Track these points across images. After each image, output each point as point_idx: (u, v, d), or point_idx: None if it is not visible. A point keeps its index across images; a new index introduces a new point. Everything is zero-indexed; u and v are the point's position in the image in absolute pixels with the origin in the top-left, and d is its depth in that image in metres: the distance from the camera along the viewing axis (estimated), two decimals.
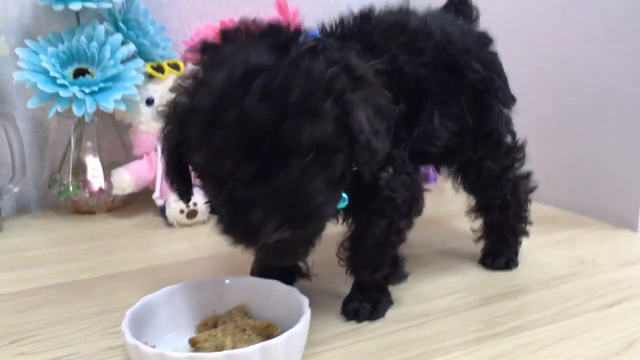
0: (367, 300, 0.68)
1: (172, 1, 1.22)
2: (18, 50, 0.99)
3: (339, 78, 0.54)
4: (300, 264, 0.73)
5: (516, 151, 0.77)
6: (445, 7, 0.79)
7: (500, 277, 0.78)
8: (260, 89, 0.50)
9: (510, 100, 0.76)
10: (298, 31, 0.57)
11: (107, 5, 1.01)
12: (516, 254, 0.81)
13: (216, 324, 0.60)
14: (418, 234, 0.92)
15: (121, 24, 1.05)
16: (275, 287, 0.63)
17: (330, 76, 0.53)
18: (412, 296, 0.73)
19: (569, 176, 1.03)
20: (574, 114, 1.01)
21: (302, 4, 1.23)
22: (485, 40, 0.75)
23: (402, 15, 0.68)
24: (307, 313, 0.56)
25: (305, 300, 0.59)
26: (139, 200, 1.12)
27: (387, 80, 0.61)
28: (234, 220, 0.52)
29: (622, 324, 0.65)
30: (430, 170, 1.27)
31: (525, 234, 0.81)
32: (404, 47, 0.66)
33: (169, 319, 0.61)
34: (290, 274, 0.72)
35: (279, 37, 0.55)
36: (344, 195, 0.61)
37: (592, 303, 0.70)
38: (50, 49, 1.00)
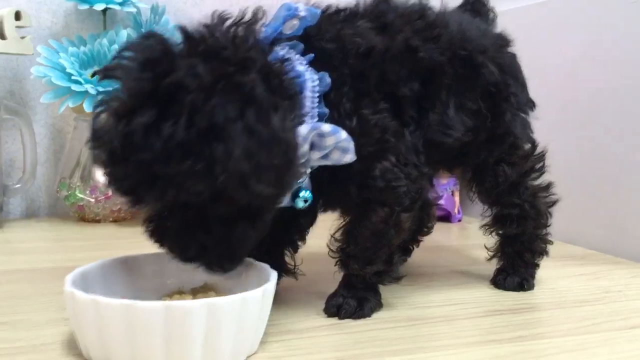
0: (353, 297, 0.61)
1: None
2: (40, 48, 1.00)
3: (213, 107, 0.45)
4: (288, 259, 0.67)
5: (535, 158, 0.71)
6: (461, 6, 0.75)
7: (510, 295, 0.70)
8: (108, 155, 0.47)
9: (527, 105, 0.71)
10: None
11: (131, 9, 1.02)
12: (532, 275, 0.72)
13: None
14: (430, 256, 0.86)
15: (144, 30, 1.06)
16: (247, 263, 0.56)
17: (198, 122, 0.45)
18: (406, 303, 0.65)
19: (601, 217, 0.95)
20: (606, 155, 0.94)
21: None
22: (502, 41, 0.71)
23: (422, 6, 0.65)
24: (272, 281, 0.50)
25: (273, 273, 0.53)
26: None
27: (399, 61, 0.59)
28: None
29: None
30: (456, 210, 1.22)
31: (545, 253, 0.73)
32: (419, 32, 0.62)
33: (128, 287, 0.56)
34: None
35: (154, 70, 0.46)
36: (308, 194, 0.56)
37: (612, 324, 0.61)
38: (72, 49, 1.01)
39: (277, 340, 0.53)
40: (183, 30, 0.49)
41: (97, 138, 0.47)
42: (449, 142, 0.63)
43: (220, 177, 0.44)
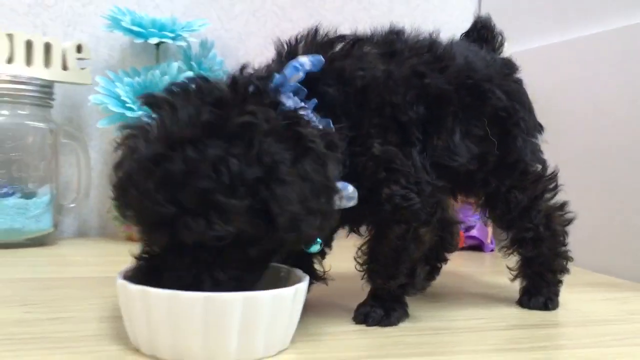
0: (380, 307, 0.64)
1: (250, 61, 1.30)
2: (98, 78, 1.08)
3: (275, 150, 0.49)
4: (317, 266, 0.71)
5: (546, 180, 0.73)
6: (468, 33, 0.78)
7: (535, 313, 0.72)
8: (160, 178, 0.47)
9: (535, 129, 0.74)
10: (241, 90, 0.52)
11: (182, 43, 1.10)
12: (556, 294, 0.75)
13: None
14: (460, 281, 0.88)
15: (193, 63, 1.13)
16: (277, 267, 0.61)
17: (254, 159, 0.48)
18: (433, 316, 0.68)
19: (634, 247, 0.96)
20: (631, 185, 0.96)
21: None
22: (508, 69, 0.74)
23: (430, 39, 0.68)
24: (304, 282, 0.54)
25: (305, 276, 0.57)
26: None
27: (404, 85, 0.61)
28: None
29: None
30: (489, 240, 1.24)
31: (565, 270, 0.75)
32: (426, 64, 0.65)
33: None
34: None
35: (220, 109, 0.50)
36: (319, 240, 0.58)
37: (633, 340, 0.63)
38: (127, 79, 1.09)
39: (306, 340, 0.57)
40: (235, 78, 0.54)
41: (152, 158, 0.47)
42: (454, 166, 0.65)
43: (278, 217, 0.48)
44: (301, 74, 0.57)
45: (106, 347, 0.53)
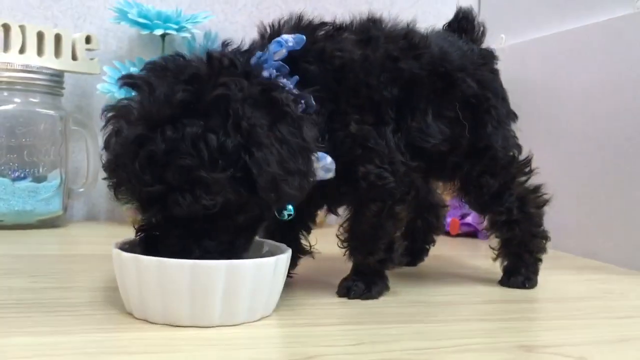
0: (361, 281, 0.68)
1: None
2: (105, 68, 1.13)
3: (251, 116, 0.52)
4: (303, 241, 0.74)
5: (520, 165, 0.77)
6: (450, 24, 0.81)
7: (513, 291, 0.75)
8: (145, 159, 0.50)
9: (508, 117, 0.77)
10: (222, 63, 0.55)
11: (186, 34, 1.14)
12: (535, 273, 0.78)
13: None
14: (449, 263, 0.92)
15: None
16: (262, 242, 0.65)
17: (231, 128, 0.51)
18: (413, 291, 0.72)
19: (620, 233, 0.99)
20: (619, 173, 0.99)
21: None
22: (484, 59, 0.76)
23: (407, 28, 0.71)
24: (286, 254, 0.59)
25: (288, 249, 0.61)
26: None
27: (379, 68, 0.64)
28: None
29: (625, 328, 0.61)
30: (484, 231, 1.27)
31: (542, 250, 0.78)
32: (401, 50, 0.67)
33: None
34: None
35: (195, 84, 0.53)
36: (290, 209, 0.61)
37: (601, 314, 0.66)
38: (133, 69, 1.13)
39: (289, 309, 0.61)
40: (209, 53, 0.56)
41: (135, 140, 0.51)
42: (427, 147, 0.68)
43: (257, 178, 0.51)
44: (284, 51, 0.60)
45: (102, 312, 0.57)
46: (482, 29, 0.80)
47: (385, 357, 0.48)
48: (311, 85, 0.60)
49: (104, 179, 0.55)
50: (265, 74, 0.59)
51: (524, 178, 0.77)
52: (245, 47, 0.62)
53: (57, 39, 1.11)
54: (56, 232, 1.07)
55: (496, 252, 0.80)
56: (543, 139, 1.08)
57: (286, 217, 0.61)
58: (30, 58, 1.08)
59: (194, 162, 0.51)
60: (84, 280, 0.70)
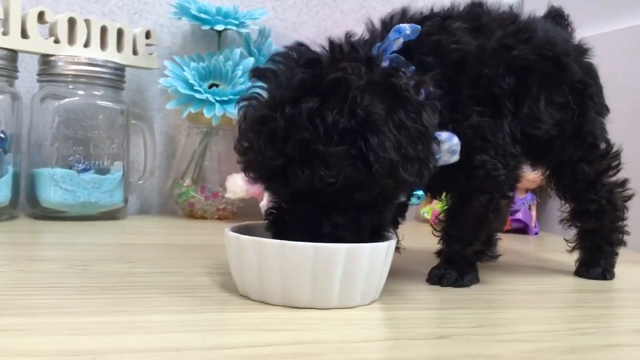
0: (453, 269, 0.69)
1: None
2: (166, 62, 1.14)
3: (370, 103, 0.54)
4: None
5: (611, 157, 0.78)
6: (543, 17, 0.82)
7: (593, 282, 0.76)
8: (267, 136, 0.53)
9: (604, 109, 0.78)
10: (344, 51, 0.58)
11: (244, 30, 1.16)
12: (612, 265, 0.79)
13: None
14: (513, 257, 0.93)
15: (254, 49, 1.19)
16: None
17: (348, 111, 0.53)
18: (500, 281, 0.73)
19: None
20: None
21: None
22: (582, 49, 0.78)
23: (512, 13, 0.73)
24: (394, 239, 0.60)
25: (393, 235, 0.62)
26: (249, 215, 1.21)
27: (495, 58, 0.66)
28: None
29: None
30: (533, 223, 1.28)
31: (622, 243, 0.79)
32: (511, 35, 0.69)
33: None
34: None
35: (315, 69, 0.55)
36: (421, 193, 0.63)
37: None
38: (193, 64, 1.15)
39: (390, 295, 0.62)
40: (331, 41, 0.59)
41: (260, 120, 0.54)
42: (538, 134, 0.70)
43: (374, 164, 0.53)
44: (401, 40, 0.61)
45: (216, 294, 0.58)
46: (572, 27, 0.81)
47: (513, 338, 0.50)
48: (431, 76, 0.61)
49: (238, 162, 0.57)
50: (385, 63, 0.60)
51: (613, 172, 0.78)
52: (363, 39, 0.64)
53: (119, 33, 1.12)
54: (118, 223, 1.08)
55: (571, 245, 0.81)
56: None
57: (416, 202, 0.62)
58: (94, 51, 1.09)
59: (311, 136, 0.53)
60: (181, 265, 0.71)
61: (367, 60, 0.57)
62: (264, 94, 0.57)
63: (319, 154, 0.53)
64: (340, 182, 0.54)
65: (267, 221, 0.59)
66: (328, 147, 0.53)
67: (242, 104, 0.58)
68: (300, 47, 0.59)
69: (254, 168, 0.56)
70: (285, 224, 0.57)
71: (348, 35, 0.62)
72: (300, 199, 0.55)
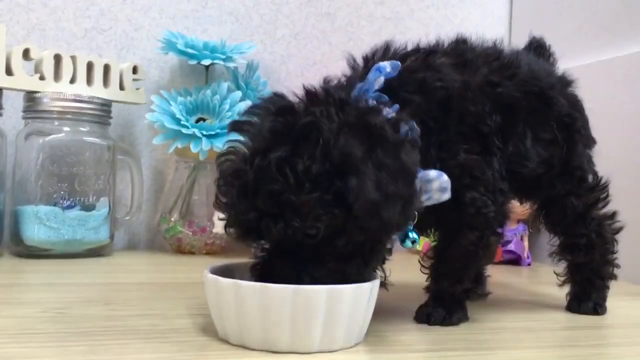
0: (441, 307, 0.67)
1: (290, 82, 1.35)
2: (153, 97, 1.14)
3: (346, 144, 0.52)
4: (379, 271, 0.74)
5: (599, 189, 0.77)
6: (525, 49, 0.81)
7: (584, 317, 0.75)
8: (239, 190, 0.53)
9: (590, 141, 0.78)
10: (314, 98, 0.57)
11: (232, 64, 1.16)
12: (604, 299, 0.77)
13: None
14: (504, 290, 0.92)
15: (241, 83, 1.19)
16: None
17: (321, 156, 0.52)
18: (489, 318, 0.71)
19: None
20: None
21: None
22: (567, 81, 0.78)
23: (496, 48, 0.72)
24: (377, 279, 0.58)
25: (377, 274, 0.61)
26: (237, 250, 1.19)
27: (480, 95, 0.65)
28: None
29: None
30: (525, 254, 1.27)
31: (613, 277, 0.78)
32: (496, 71, 0.68)
33: None
34: None
35: (287, 117, 0.55)
36: (415, 236, 0.62)
37: None
38: (180, 99, 1.14)
39: (375, 336, 0.60)
40: (306, 88, 0.58)
41: (232, 174, 0.54)
42: (524, 172, 0.69)
43: (354, 205, 0.51)
44: (382, 78, 0.60)
45: (195, 338, 0.57)
46: (554, 58, 0.81)
47: None
48: (414, 114, 0.60)
49: (220, 219, 0.56)
50: (370, 102, 0.59)
51: (601, 204, 0.77)
52: (343, 80, 0.63)
53: (106, 69, 1.12)
54: (105, 260, 1.06)
55: (562, 278, 0.79)
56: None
57: (410, 244, 0.61)
58: (81, 88, 1.09)
59: (281, 186, 0.51)
60: (162, 307, 0.69)
61: (340, 102, 0.56)
62: (242, 147, 0.56)
63: (290, 204, 0.51)
64: (322, 232, 0.52)
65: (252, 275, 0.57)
66: (300, 196, 0.51)
67: (220, 159, 0.57)
68: (275, 97, 0.58)
69: (231, 224, 0.55)
70: (266, 271, 0.55)
71: (326, 81, 0.62)
72: (281, 251, 0.54)
